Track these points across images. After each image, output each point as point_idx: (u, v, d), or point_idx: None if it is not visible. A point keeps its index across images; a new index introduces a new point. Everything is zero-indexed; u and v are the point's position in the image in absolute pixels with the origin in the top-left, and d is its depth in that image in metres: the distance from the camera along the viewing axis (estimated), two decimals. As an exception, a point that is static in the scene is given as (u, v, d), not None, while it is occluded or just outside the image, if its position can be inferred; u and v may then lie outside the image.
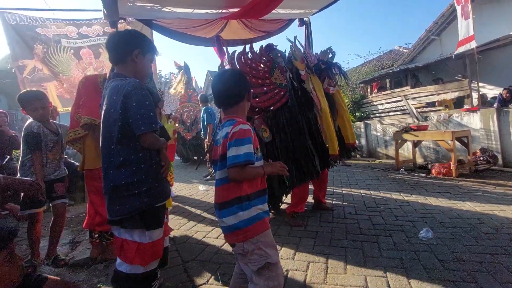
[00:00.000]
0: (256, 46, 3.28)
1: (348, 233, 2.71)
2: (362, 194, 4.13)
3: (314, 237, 2.67)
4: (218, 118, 6.09)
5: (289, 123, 2.93)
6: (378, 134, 8.19)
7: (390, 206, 3.47)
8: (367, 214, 3.22)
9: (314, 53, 3.41)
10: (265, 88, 3.05)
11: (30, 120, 2.36)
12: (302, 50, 3.15)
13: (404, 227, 2.78)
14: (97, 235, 2.46)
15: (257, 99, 2.99)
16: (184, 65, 8.83)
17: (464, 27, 6.41)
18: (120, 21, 4.39)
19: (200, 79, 21.23)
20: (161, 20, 4.58)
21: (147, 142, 1.34)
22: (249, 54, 3.16)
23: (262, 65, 3.13)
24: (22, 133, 2.32)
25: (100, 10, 4.02)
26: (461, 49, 6.49)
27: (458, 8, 6.49)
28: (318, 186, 3.43)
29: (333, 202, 3.81)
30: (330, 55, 3.36)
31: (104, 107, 1.40)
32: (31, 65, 4.39)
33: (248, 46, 3.22)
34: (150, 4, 4.10)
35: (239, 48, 3.37)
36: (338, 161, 3.32)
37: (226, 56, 3.66)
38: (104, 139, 1.40)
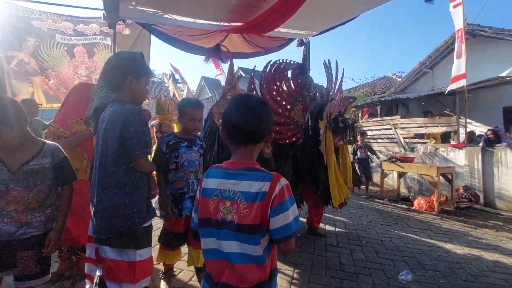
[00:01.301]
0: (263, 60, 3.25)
1: (328, 268, 2.66)
2: (345, 224, 4.11)
3: (293, 269, 2.60)
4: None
5: (300, 161, 2.99)
6: (366, 159, 8.27)
7: (371, 240, 3.44)
8: (348, 247, 3.18)
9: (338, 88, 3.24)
10: (282, 120, 2.89)
11: None
12: (330, 99, 3.01)
13: (384, 266, 2.75)
14: (66, 249, 2.31)
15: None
16: (173, 76, 8.68)
17: (456, 65, 6.65)
18: (119, 22, 4.33)
19: (194, 84, 21.20)
20: (161, 26, 4.54)
21: (141, 165, 1.45)
22: (282, 73, 2.95)
23: (288, 92, 2.97)
24: None
25: (101, 9, 3.95)
26: (452, 86, 6.71)
27: (456, 46, 6.69)
28: (315, 210, 3.42)
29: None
30: (351, 100, 3.42)
31: (102, 131, 1.46)
32: (19, 58, 4.24)
33: (285, 61, 3.00)
34: (152, 9, 4.07)
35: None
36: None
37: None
38: (100, 160, 1.45)
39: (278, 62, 2.98)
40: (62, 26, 4.48)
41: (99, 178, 1.44)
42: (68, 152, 2.13)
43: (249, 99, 1.02)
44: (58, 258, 2.37)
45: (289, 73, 3.04)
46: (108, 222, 1.41)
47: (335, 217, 4.36)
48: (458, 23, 6.51)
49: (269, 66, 2.91)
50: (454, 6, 6.48)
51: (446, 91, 6.82)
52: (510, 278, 2.60)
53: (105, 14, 3.88)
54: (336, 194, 2.89)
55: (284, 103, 2.94)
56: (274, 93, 2.91)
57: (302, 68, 3.11)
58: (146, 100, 5.58)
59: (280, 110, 2.90)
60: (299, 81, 3.03)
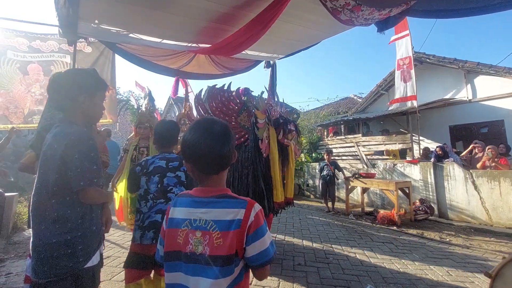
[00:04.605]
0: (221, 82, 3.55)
1: (296, 288, 2.65)
2: (313, 240, 4.16)
3: (261, 292, 2.55)
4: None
5: (244, 161, 3.08)
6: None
7: (338, 257, 3.51)
8: (315, 265, 3.21)
9: (279, 107, 3.59)
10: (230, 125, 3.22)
11: None
12: (267, 103, 3.39)
13: (350, 282, 2.80)
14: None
15: None
16: (149, 94, 8.19)
17: (403, 88, 7.41)
18: (80, 39, 4.18)
19: (161, 102, 20.84)
20: (126, 45, 4.46)
21: (87, 197, 1.26)
22: (226, 93, 3.40)
23: (233, 105, 3.37)
24: None
25: (56, 26, 3.77)
26: (395, 106, 7.46)
27: (398, 73, 7.51)
28: None
29: (284, 247, 3.77)
30: (295, 116, 3.75)
31: (41, 156, 1.27)
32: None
33: (227, 85, 3.47)
34: (116, 28, 3.99)
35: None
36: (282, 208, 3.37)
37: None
38: (38, 190, 1.26)
39: (221, 86, 3.47)
40: (15, 42, 4.21)
41: (37, 211, 1.24)
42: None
43: (213, 123, 0.96)
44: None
45: (233, 93, 3.47)
46: (46, 263, 1.18)
47: (303, 236, 4.41)
48: (406, 51, 7.25)
49: (213, 89, 3.44)
50: (403, 37, 7.24)
51: (398, 110, 7.46)
52: (462, 286, 2.78)
53: (60, 31, 3.72)
54: (279, 190, 3.02)
55: (230, 112, 3.37)
56: (220, 104, 3.37)
57: (245, 90, 3.52)
58: (110, 120, 5.34)
59: (227, 118, 3.33)
60: (244, 98, 3.41)
